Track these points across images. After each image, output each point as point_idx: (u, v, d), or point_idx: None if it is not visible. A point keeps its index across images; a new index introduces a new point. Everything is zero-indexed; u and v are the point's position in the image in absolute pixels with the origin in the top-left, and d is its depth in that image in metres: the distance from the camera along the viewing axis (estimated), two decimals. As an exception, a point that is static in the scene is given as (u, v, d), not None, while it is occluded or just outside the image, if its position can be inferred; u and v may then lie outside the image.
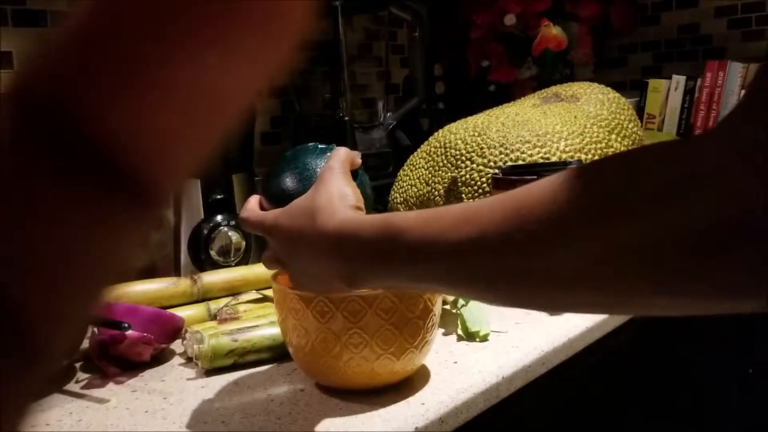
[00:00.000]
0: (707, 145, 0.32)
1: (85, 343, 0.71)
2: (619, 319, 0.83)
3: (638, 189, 0.33)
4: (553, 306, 0.43)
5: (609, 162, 0.35)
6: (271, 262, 0.54)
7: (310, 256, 0.48)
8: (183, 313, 0.77)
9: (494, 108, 1.08)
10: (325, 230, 0.47)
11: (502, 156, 0.93)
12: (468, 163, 0.94)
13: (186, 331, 0.72)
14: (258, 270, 0.86)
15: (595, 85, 1.09)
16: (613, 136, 0.97)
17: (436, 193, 0.95)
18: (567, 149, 0.93)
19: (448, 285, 0.42)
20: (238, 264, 0.92)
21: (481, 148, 0.94)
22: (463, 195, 0.93)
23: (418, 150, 1.04)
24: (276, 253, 0.53)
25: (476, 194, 0.92)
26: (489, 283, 0.39)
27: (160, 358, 0.73)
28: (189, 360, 0.72)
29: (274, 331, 0.69)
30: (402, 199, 1.01)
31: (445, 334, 0.75)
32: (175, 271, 0.91)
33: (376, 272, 0.44)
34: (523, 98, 1.13)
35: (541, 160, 0.92)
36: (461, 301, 0.75)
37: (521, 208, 0.36)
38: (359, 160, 0.57)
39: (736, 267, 0.31)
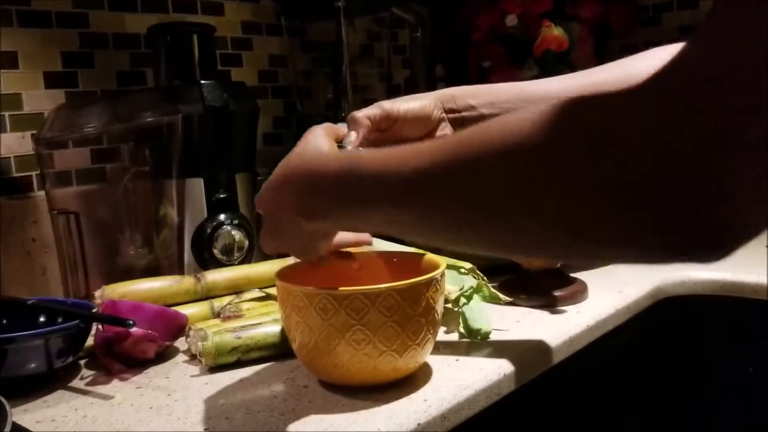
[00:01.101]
0: (630, 101, 0.33)
1: (90, 341, 0.71)
2: (620, 318, 0.84)
3: (564, 138, 0.34)
4: (474, 242, 0.43)
5: (546, 110, 0.36)
6: (263, 237, 0.56)
7: (280, 201, 0.52)
8: (187, 310, 0.78)
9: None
10: (294, 167, 0.50)
11: (504, 156, 0.93)
12: (470, 162, 0.94)
13: (190, 329, 0.72)
14: (261, 269, 0.87)
15: (596, 85, 1.09)
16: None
17: (438, 192, 0.96)
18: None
19: (395, 220, 0.45)
20: (241, 263, 0.92)
21: (483, 148, 0.94)
22: (465, 194, 0.93)
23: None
24: (264, 222, 0.55)
25: (478, 194, 0.93)
26: (432, 214, 0.41)
27: (164, 355, 0.74)
28: (193, 357, 0.72)
29: (277, 328, 0.70)
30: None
31: (446, 332, 0.75)
32: (179, 269, 0.91)
33: (339, 205, 0.47)
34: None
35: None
36: (463, 300, 0.75)
37: (463, 145, 0.38)
38: (344, 131, 0.60)
39: (645, 224, 0.33)
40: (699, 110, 0.30)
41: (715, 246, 0.33)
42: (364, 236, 0.61)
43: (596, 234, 0.35)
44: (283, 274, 0.63)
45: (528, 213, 0.37)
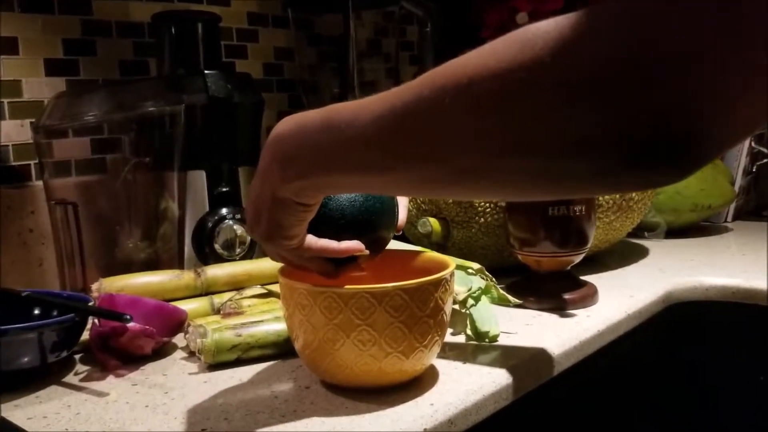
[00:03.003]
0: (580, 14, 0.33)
1: (85, 335, 0.69)
2: (631, 323, 0.81)
3: (517, 54, 0.34)
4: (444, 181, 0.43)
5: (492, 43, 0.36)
6: (248, 223, 0.54)
7: (262, 170, 0.50)
8: (186, 306, 0.76)
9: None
10: (275, 131, 0.49)
11: (514, 154, 0.91)
12: (478, 160, 0.92)
13: (189, 325, 0.70)
14: (263, 265, 0.84)
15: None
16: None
17: (446, 190, 0.94)
18: (580, 149, 0.91)
19: (370, 167, 0.43)
20: (242, 258, 0.90)
21: (493, 146, 0.92)
22: (473, 193, 0.91)
23: (428, 147, 1.02)
24: (250, 206, 0.53)
25: (486, 193, 0.91)
26: (407, 158, 0.40)
27: (162, 351, 0.71)
28: (191, 354, 0.70)
29: (279, 326, 0.68)
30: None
31: (453, 334, 0.73)
32: (179, 263, 0.89)
33: (315, 155, 0.46)
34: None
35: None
36: (471, 301, 0.73)
37: (425, 86, 0.38)
38: None
39: (602, 127, 0.32)
40: (649, 12, 0.30)
41: (676, 154, 0.32)
42: (355, 245, 0.57)
43: (553, 144, 0.34)
44: (286, 271, 0.61)
45: (488, 137, 0.36)
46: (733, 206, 1.31)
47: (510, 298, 0.79)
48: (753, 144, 1.33)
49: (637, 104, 0.31)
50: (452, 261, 0.62)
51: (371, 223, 0.57)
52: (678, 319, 0.92)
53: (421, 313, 0.56)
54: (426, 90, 0.38)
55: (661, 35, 0.30)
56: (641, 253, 1.09)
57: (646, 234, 1.17)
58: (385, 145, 0.41)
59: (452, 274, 0.60)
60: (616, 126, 0.32)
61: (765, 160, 1.38)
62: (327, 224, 0.56)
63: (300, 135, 0.47)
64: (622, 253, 1.08)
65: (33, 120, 0.93)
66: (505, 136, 0.35)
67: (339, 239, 0.56)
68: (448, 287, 0.59)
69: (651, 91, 0.30)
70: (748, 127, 0.33)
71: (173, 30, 0.96)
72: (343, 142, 0.43)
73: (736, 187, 1.29)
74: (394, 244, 0.76)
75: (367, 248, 0.57)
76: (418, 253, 0.69)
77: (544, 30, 0.33)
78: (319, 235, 0.55)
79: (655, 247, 1.12)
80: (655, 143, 0.32)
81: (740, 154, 1.32)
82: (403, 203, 0.64)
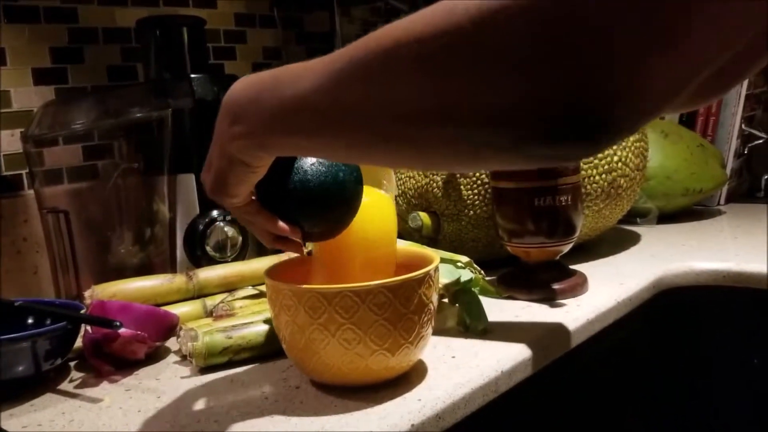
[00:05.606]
0: None
1: (79, 342, 0.70)
2: (621, 310, 0.82)
3: (442, 21, 0.34)
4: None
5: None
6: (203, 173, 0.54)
7: (216, 127, 0.50)
8: (179, 310, 0.76)
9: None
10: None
11: (501, 146, 0.91)
12: (466, 154, 0.93)
13: (181, 329, 0.71)
14: (254, 266, 0.85)
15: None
16: (614, 125, 0.95)
17: (434, 185, 0.94)
18: (566, 139, 0.92)
19: (315, 129, 0.42)
20: (234, 259, 0.91)
21: (480, 139, 0.93)
22: (462, 186, 0.92)
23: (416, 142, 1.03)
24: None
25: (475, 185, 0.91)
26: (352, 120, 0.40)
27: (155, 355, 0.72)
28: (184, 357, 0.71)
29: (269, 328, 0.68)
30: (400, 191, 1.00)
31: (443, 328, 0.74)
32: (171, 267, 0.90)
33: (260, 108, 0.45)
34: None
35: (540, 150, 0.91)
36: (460, 294, 0.74)
37: (360, 48, 0.38)
38: None
39: (521, 96, 0.32)
40: None
41: (589, 128, 0.32)
42: (291, 231, 0.56)
43: (469, 113, 0.34)
44: (272, 273, 0.61)
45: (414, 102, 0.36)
46: (725, 189, 1.31)
47: (499, 290, 0.80)
48: (744, 126, 1.33)
49: (551, 77, 0.31)
50: (437, 256, 0.63)
51: (323, 201, 0.55)
52: (669, 305, 0.92)
53: (405, 310, 0.57)
54: (360, 52, 0.38)
55: (576, 9, 0.30)
56: (633, 239, 1.09)
57: (638, 220, 1.17)
58: (318, 109, 0.41)
59: (436, 270, 0.61)
60: (531, 98, 0.32)
61: (757, 142, 1.38)
62: (278, 190, 0.54)
63: (249, 92, 0.46)
64: (614, 241, 1.08)
65: (23, 129, 0.93)
66: (423, 102, 0.35)
67: (287, 209, 0.55)
68: (432, 283, 0.59)
69: (564, 64, 0.31)
70: (661, 101, 0.33)
71: (158, 35, 0.97)
72: (283, 102, 0.43)
73: (728, 170, 1.29)
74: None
75: (316, 227, 0.56)
76: (403, 248, 0.70)
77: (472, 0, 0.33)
78: (269, 198, 0.55)
79: (648, 233, 1.13)
80: (568, 116, 0.32)
81: (731, 137, 1.32)
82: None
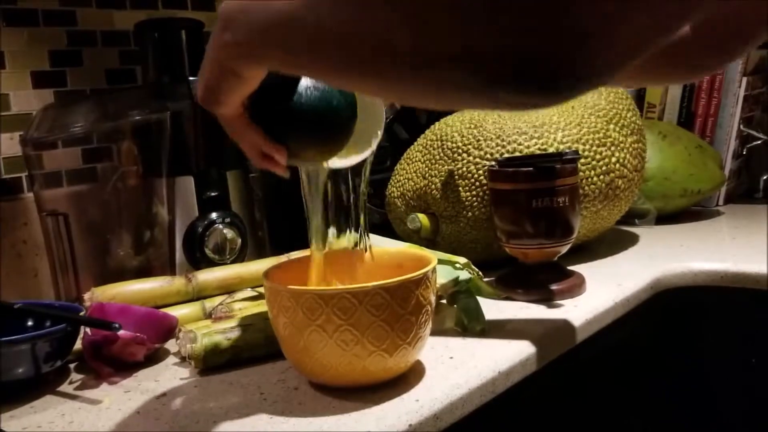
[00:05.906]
0: None
1: (79, 344, 0.70)
2: (619, 311, 0.82)
3: None
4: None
5: None
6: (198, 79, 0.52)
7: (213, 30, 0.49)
8: (178, 312, 0.77)
9: (491, 100, 1.06)
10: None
11: (499, 148, 0.92)
12: (465, 155, 0.93)
13: (180, 331, 0.71)
14: (253, 267, 0.85)
15: (593, 74, 1.08)
16: (611, 126, 0.96)
17: (433, 186, 0.94)
18: (564, 140, 0.92)
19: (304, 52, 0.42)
20: (233, 262, 0.91)
21: (478, 141, 0.93)
22: (460, 188, 0.92)
23: (415, 143, 1.03)
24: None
25: (473, 187, 0.92)
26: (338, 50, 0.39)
27: (154, 357, 0.72)
28: (183, 359, 0.71)
29: (268, 329, 0.68)
30: (399, 193, 1.00)
31: (441, 329, 0.74)
32: (171, 269, 0.90)
33: (249, 31, 0.44)
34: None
35: (538, 152, 0.91)
36: (458, 295, 0.74)
37: None
38: None
39: (492, 33, 0.32)
40: None
41: (555, 73, 0.32)
42: (276, 152, 0.54)
43: (439, 49, 0.34)
44: (270, 274, 0.61)
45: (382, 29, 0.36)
46: (724, 190, 1.31)
47: (497, 291, 0.80)
48: (742, 127, 1.33)
49: (519, 20, 0.31)
50: (434, 257, 0.63)
51: (312, 126, 0.54)
52: (668, 306, 0.92)
53: (402, 311, 0.57)
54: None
55: None
56: (631, 240, 1.09)
57: (636, 221, 1.18)
58: (303, 26, 0.40)
59: (434, 271, 0.61)
60: (499, 39, 0.32)
61: (755, 143, 1.38)
62: (269, 106, 0.53)
63: (242, 0, 0.45)
64: (612, 242, 1.08)
65: (22, 133, 0.94)
66: (401, 41, 0.35)
67: (275, 127, 0.54)
68: (429, 284, 0.59)
69: (532, 8, 0.31)
70: (631, 50, 0.33)
71: (157, 38, 0.97)
72: (269, 14, 0.43)
73: (726, 171, 1.30)
74: (378, 242, 0.77)
75: (302, 150, 0.55)
76: (401, 249, 0.70)
77: None
78: (258, 113, 0.53)
79: (646, 234, 1.13)
80: (535, 60, 0.32)
81: (729, 138, 1.32)
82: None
